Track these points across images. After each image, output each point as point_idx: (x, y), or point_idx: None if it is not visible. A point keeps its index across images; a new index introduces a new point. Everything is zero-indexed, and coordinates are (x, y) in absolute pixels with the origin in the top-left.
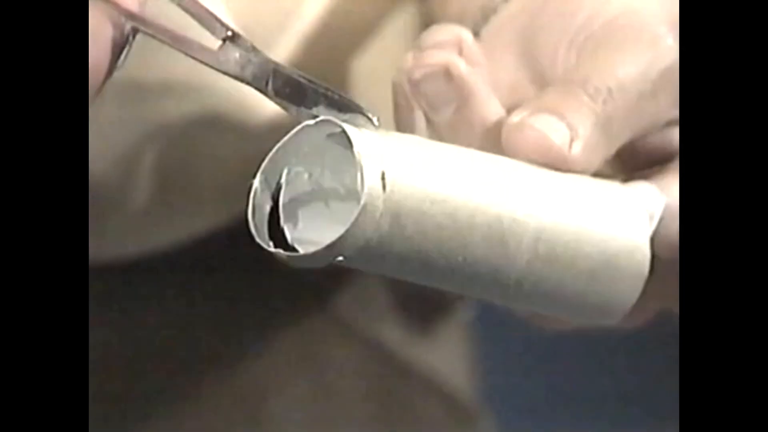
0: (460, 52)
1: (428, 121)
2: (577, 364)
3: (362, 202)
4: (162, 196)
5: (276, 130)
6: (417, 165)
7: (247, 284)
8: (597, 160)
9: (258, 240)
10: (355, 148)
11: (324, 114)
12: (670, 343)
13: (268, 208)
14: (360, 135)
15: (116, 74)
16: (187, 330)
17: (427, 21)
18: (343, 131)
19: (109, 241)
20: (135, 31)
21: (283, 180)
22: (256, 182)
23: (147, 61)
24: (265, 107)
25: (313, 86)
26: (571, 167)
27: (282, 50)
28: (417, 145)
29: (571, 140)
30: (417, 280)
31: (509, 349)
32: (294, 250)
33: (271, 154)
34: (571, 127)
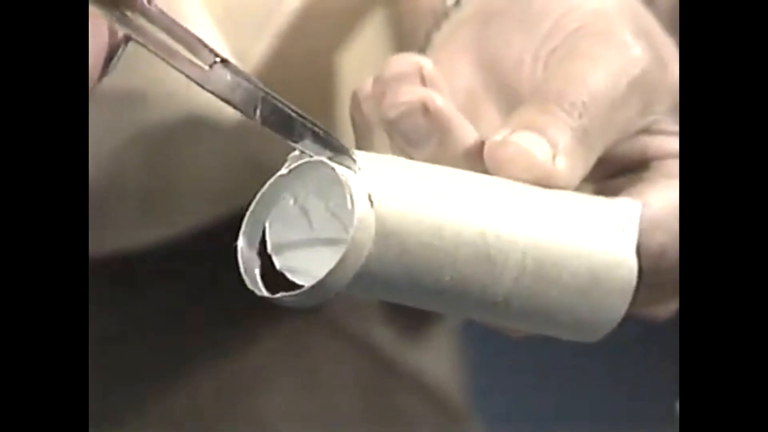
0: (423, 81)
1: (395, 144)
2: (565, 366)
3: (354, 223)
4: (148, 199)
5: (258, 134)
6: (401, 186)
7: (237, 283)
8: (579, 173)
9: (257, 292)
10: (339, 173)
11: (309, 149)
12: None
13: (257, 264)
14: (342, 164)
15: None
16: (176, 327)
17: (397, 22)
18: (323, 163)
19: (96, 240)
20: (128, 39)
21: (268, 232)
22: (240, 243)
23: (132, 65)
24: None
25: (300, 119)
26: (555, 182)
27: (262, 47)
28: (402, 167)
29: (554, 156)
30: (406, 301)
31: (498, 350)
32: (296, 286)
33: (251, 209)
34: (552, 143)
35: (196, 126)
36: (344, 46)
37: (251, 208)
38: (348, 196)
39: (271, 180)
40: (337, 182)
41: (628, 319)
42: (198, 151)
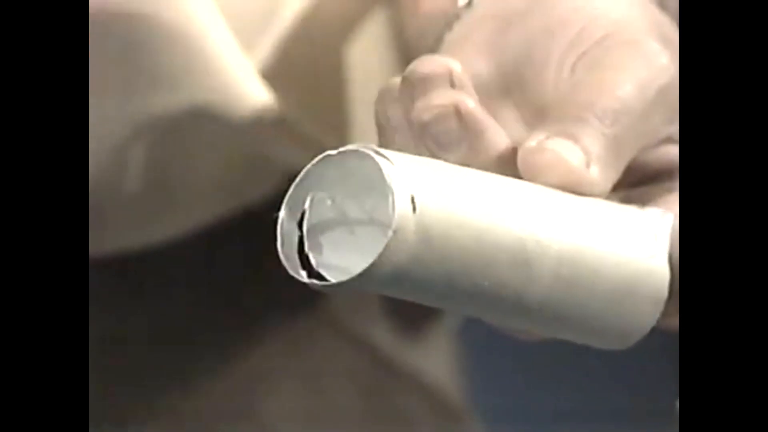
0: (452, 84)
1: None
2: (566, 367)
3: (394, 226)
4: (149, 197)
5: (262, 122)
6: (443, 189)
7: (239, 283)
8: (611, 180)
9: (290, 270)
10: (385, 172)
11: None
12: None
13: (296, 237)
14: (387, 161)
15: (103, 70)
16: (177, 328)
17: (398, 27)
18: (370, 156)
19: (96, 240)
20: None
21: (306, 207)
22: (282, 213)
23: (133, 56)
24: (251, 99)
25: None
26: (589, 189)
27: (263, 51)
28: (441, 169)
29: (588, 163)
30: (442, 305)
31: (498, 351)
32: (320, 277)
33: (294, 184)
34: (586, 150)
35: (198, 121)
36: (342, 51)
37: (296, 181)
38: (390, 196)
39: (319, 157)
40: (380, 179)
41: (654, 330)
42: (200, 146)
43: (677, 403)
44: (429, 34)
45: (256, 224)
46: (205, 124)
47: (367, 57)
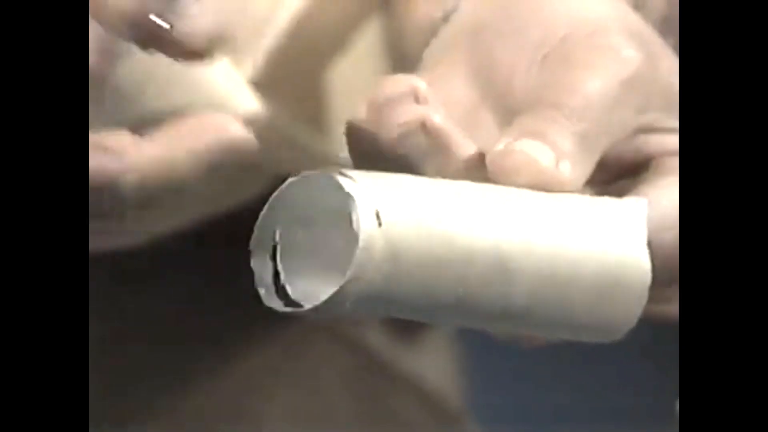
0: (417, 100)
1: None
2: (564, 369)
3: (360, 243)
4: (148, 196)
5: (248, 126)
6: (409, 201)
7: (233, 285)
8: (582, 177)
9: (265, 302)
10: (347, 190)
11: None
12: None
13: (270, 268)
14: (348, 179)
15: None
16: (175, 328)
17: (392, 34)
18: (331, 177)
19: (96, 239)
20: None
21: (277, 236)
22: (253, 244)
23: (123, 61)
24: (239, 104)
25: None
26: (560, 186)
27: (255, 58)
28: (406, 182)
29: (557, 160)
30: (425, 318)
31: (495, 353)
32: (296, 304)
33: (262, 214)
34: (555, 148)
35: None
36: (340, 53)
37: (264, 211)
38: (354, 213)
39: (283, 186)
40: (344, 198)
41: (643, 320)
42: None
43: (677, 403)
44: (413, 50)
45: (253, 224)
46: None
47: (361, 64)
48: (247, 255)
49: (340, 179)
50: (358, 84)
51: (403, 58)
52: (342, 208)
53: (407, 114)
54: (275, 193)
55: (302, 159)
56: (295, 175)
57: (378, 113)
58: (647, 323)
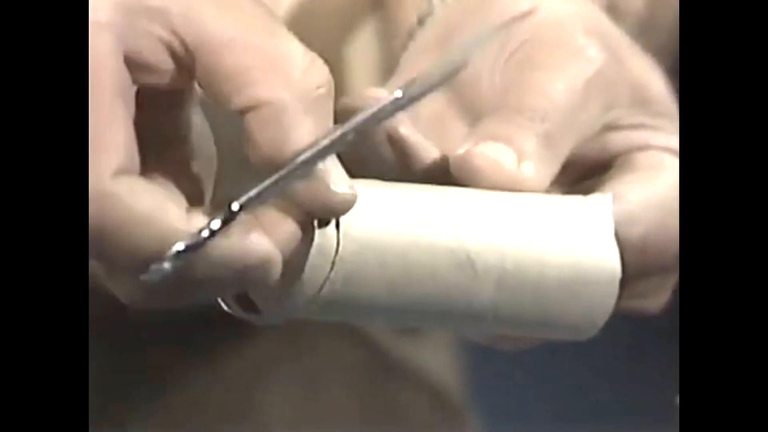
0: None
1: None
2: (566, 364)
3: (315, 245)
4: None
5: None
6: (369, 204)
7: None
8: (547, 177)
9: (224, 306)
10: None
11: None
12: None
13: None
14: None
15: None
16: (175, 321)
17: (385, 29)
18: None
19: None
20: None
21: None
22: None
23: None
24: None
25: None
26: (524, 187)
27: None
28: (369, 186)
29: (520, 161)
30: (392, 322)
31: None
32: (256, 309)
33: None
34: (518, 150)
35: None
36: (344, 43)
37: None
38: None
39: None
40: None
41: (622, 315)
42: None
43: (677, 399)
44: (399, 46)
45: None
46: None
47: (365, 53)
48: None
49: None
50: (363, 71)
51: (391, 58)
52: None
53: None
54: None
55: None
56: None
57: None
58: (649, 323)
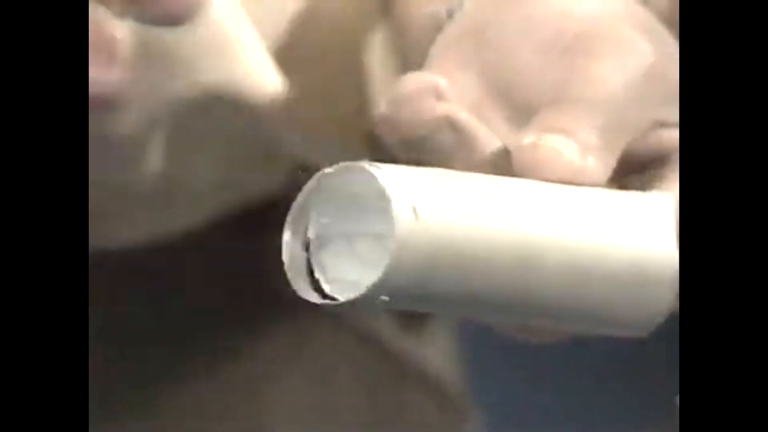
0: (439, 98)
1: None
2: (566, 364)
3: (397, 236)
4: (147, 193)
5: (275, 110)
6: (443, 195)
7: (242, 275)
8: (607, 170)
9: (300, 293)
10: (383, 184)
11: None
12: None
13: (302, 260)
14: (384, 173)
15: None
16: (182, 319)
17: (394, 34)
18: (365, 170)
19: (96, 236)
20: None
21: (309, 228)
22: (285, 236)
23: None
24: (265, 87)
25: None
26: (587, 180)
27: (278, 39)
28: (438, 176)
29: (584, 154)
30: (455, 313)
31: (501, 343)
32: (329, 296)
33: (294, 205)
34: (581, 143)
35: (209, 107)
36: (365, 36)
37: (296, 202)
38: (391, 207)
39: (317, 176)
40: (380, 192)
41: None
42: (206, 137)
43: (677, 399)
44: (417, 48)
45: (258, 220)
46: (217, 111)
47: (386, 48)
48: (251, 248)
49: (375, 172)
50: (385, 66)
51: (404, 55)
52: (377, 201)
53: (432, 110)
54: (308, 185)
55: (320, 147)
56: (329, 167)
57: (400, 110)
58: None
